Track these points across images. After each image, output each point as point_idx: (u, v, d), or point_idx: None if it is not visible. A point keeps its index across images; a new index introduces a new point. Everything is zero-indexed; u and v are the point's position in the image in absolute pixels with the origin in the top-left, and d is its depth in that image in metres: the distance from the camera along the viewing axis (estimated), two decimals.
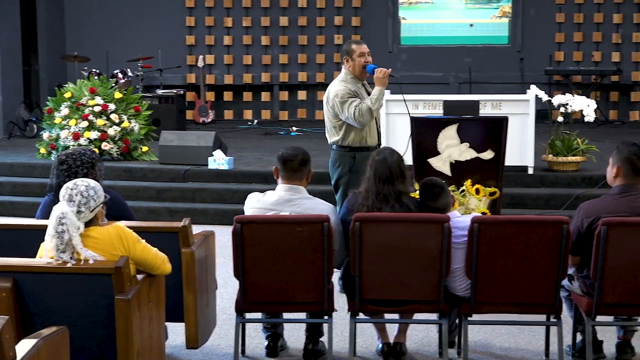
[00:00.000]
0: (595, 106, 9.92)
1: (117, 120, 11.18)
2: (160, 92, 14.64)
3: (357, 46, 7.09)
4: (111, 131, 11.12)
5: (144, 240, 4.66)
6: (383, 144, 9.08)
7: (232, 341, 5.66)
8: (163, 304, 4.95)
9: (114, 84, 12.09)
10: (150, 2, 16.46)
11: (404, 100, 7.20)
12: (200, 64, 15.76)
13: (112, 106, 11.24)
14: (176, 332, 5.83)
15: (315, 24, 16.37)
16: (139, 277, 4.61)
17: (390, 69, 7.09)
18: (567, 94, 10.03)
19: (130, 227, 4.69)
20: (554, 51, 15.88)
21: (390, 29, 16.26)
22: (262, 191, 5.66)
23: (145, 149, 11.38)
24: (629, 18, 15.67)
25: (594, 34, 15.81)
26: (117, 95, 11.39)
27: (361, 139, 7.04)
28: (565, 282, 5.48)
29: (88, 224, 4.48)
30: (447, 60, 15.83)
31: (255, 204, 5.54)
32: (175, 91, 14.59)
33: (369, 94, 7.09)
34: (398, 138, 9.52)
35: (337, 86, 7.08)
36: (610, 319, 5.64)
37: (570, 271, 5.46)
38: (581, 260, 5.39)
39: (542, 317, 5.56)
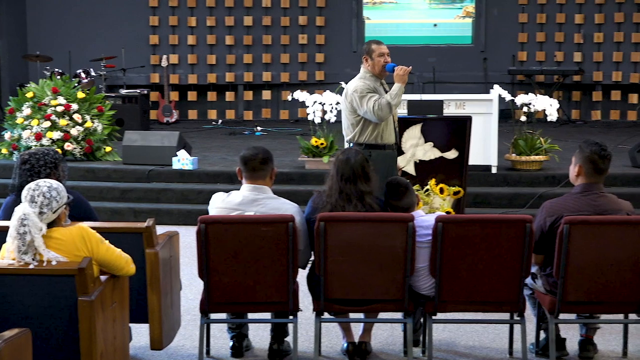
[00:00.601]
0: (558, 106, 10.01)
1: (80, 121, 11.09)
2: (123, 91, 14.56)
3: (377, 46, 7.10)
4: (74, 131, 11.04)
5: (107, 241, 4.63)
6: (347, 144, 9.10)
7: (196, 342, 5.64)
8: (127, 305, 4.92)
9: (76, 84, 12.00)
10: (113, 1, 16.36)
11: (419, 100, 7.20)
12: (164, 63, 15.69)
13: (75, 106, 11.15)
14: (140, 333, 5.79)
15: (279, 23, 16.36)
16: (103, 278, 4.58)
17: (410, 67, 7.05)
18: (530, 94, 10.11)
19: (93, 228, 4.65)
20: (517, 51, 16.00)
21: (354, 28, 16.29)
22: (226, 191, 5.65)
23: (108, 149, 11.30)
24: (591, 18, 15.82)
25: (556, 34, 15.95)
26: (80, 95, 11.30)
27: (377, 136, 6.95)
28: (528, 280, 5.52)
29: (51, 225, 4.45)
30: (411, 60, 15.67)
31: (220, 204, 5.52)
32: (138, 91, 14.52)
33: (387, 92, 7.03)
34: None
35: (356, 82, 7.07)
36: (573, 316, 5.68)
37: (534, 269, 5.49)
38: (544, 259, 5.43)
39: (505, 316, 5.60)
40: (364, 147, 6.90)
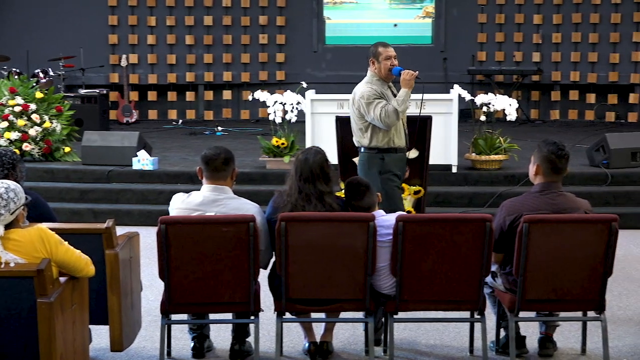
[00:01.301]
0: (517, 105, 10.09)
1: (38, 121, 10.98)
2: (82, 91, 14.44)
3: (383, 49, 6.98)
4: (32, 132, 10.93)
5: (66, 242, 4.60)
6: (308, 144, 9.11)
7: (157, 343, 5.61)
8: (87, 306, 4.89)
9: (35, 84, 11.88)
10: (72, 0, 16.21)
11: (422, 100, 7.17)
12: (123, 63, 15.58)
13: (33, 106, 11.04)
14: (100, 335, 5.75)
15: (239, 23, 16.32)
16: (62, 279, 4.54)
17: (417, 72, 6.93)
18: (489, 94, 10.18)
19: (52, 229, 4.61)
20: (476, 51, 16.10)
21: (315, 28, 16.29)
22: (187, 191, 5.63)
23: (67, 149, 11.21)
24: (549, 19, 15.96)
25: (515, 35, 16.07)
26: (38, 95, 11.19)
27: (388, 140, 6.88)
28: (488, 279, 5.55)
29: (8, 227, 4.40)
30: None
31: (180, 205, 5.50)
32: (98, 91, 14.40)
33: (394, 95, 6.95)
34: (324, 137, 9.56)
35: (363, 87, 6.97)
36: (532, 314, 5.73)
37: (494, 268, 5.53)
38: (504, 258, 5.48)
39: (466, 314, 5.64)
40: (376, 151, 6.89)
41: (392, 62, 6.96)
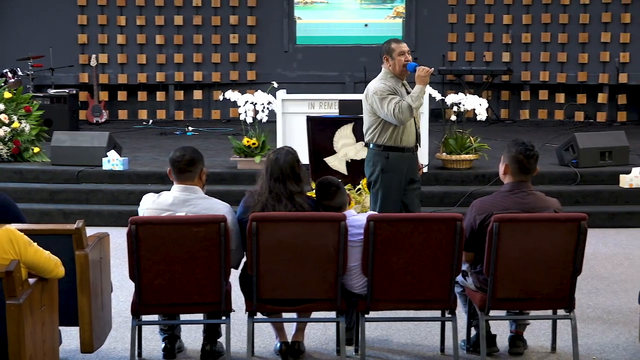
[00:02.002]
0: (487, 105, 10.13)
1: (6, 121, 10.89)
2: (51, 91, 14.33)
3: (396, 45, 6.92)
4: (1, 132, 10.84)
5: (35, 244, 4.57)
6: (279, 144, 9.11)
7: (128, 344, 5.59)
8: (56, 307, 4.86)
9: (3, 84, 11.78)
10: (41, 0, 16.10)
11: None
12: (93, 63, 15.49)
13: (1, 106, 10.95)
14: (70, 336, 5.72)
15: (210, 23, 16.28)
16: (31, 281, 4.51)
17: (432, 68, 6.86)
18: (459, 93, 10.22)
19: (21, 230, 4.58)
20: (446, 51, 16.16)
21: (285, 28, 16.28)
22: (158, 192, 5.61)
23: (36, 150, 11.13)
24: (519, 19, 16.04)
25: (485, 35, 16.14)
26: (7, 95, 11.10)
27: (395, 138, 6.80)
28: (459, 278, 5.58)
29: None
30: (342, 60, 15.94)
31: (150, 205, 5.47)
32: (67, 91, 14.30)
33: (408, 93, 6.87)
34: (295, 137, 9.57)
35: (377, 84, 6.89)
36: (503, 313, 5.76)
37: (464, 267, 5.56)
38: (474, 257, 5.50)
39: (437, 313, 5.66)
40: (382, 149, 6.81)
41: (406, 57, 6.88)
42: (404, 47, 6.91)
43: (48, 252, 4.64)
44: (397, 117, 6.67)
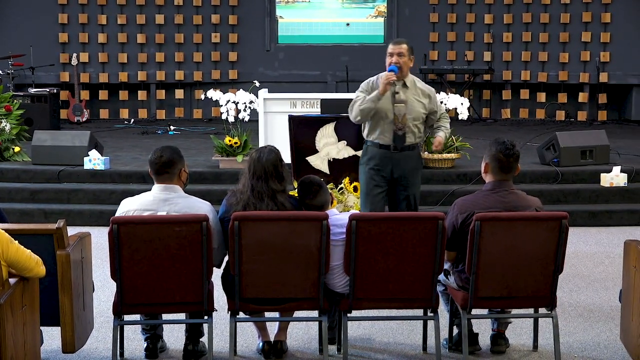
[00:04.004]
0: (469, 104, 10.16)
1: None
2: (32, 90, 14.26)
3: (390, 45, 6.89)
4: None
5: (17, 242, 4.54)
6: (261, 143, 9.10)
7: (110, 344, 5.56)
8: (37, 308, 4.84)
9: None
10: None
11: None
12: (74, 62, 15.41)
13: None
14: (52, 337, 5.70)
15: (191, 22, 16.24)
16: (12, 281, 4.49)
17: (391, 77, 6.69)
18: (441, 93, 10.24)
19: (2, 229, 4.56)
20: (428, 50, 16.18)
21: (267, 27, 16.26)
22: (139, 191, 5.59)
23: (17, 149, 11.06)
24: (500, 18, 16.09)
25: (466, 34, 16.18)
26: None
27: (369, 133, 6.87)
28: (441, 277, 5.59)
29: None
30: (324, 59, 15.94)
31: (130, 206, 5.45)
32: (48, 90, 14.23)
33: (394, 94, 6.78)
34: (277, 136, 9.56)
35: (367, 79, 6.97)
36: (485, 311, 5.78)
37: (446, 266, 5.57)
38: (456, 256, 5.51)
39: (419, 312, 5.66)
40: (364, 141, 6.95)
41: (391, 59, 6.80)
42: (392, 48, 6.86)
43: (29, 250, 4.62)
44: (349, 113, 6.83)
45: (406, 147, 6.83)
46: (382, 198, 6.86)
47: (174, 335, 6.06)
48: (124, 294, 5.27)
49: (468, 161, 10.33)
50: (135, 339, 5.98)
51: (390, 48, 6.85)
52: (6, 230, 4.60)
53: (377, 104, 6.72)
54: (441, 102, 9.92)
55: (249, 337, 6.08)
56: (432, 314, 5.50)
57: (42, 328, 5.11)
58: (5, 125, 10.99)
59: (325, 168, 7.87)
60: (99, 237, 6.64)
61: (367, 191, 6.88)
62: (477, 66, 15.86)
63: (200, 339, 5.75)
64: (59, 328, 5.19)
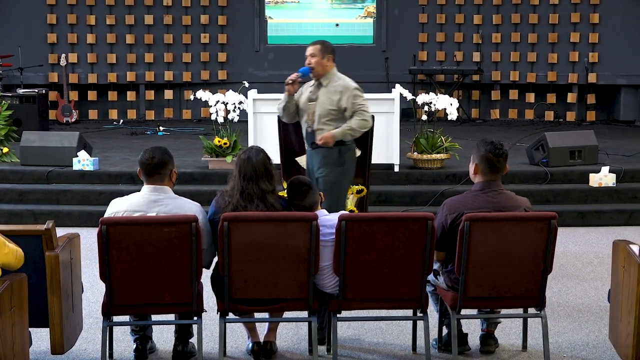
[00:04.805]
0: (458, 105, 10.17)
1: None
2: (21, 91, 14.22)
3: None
4: None
5: (7, 242, 4.54)
6: (251, 144, 9.10)
7: (99, 345, 5.55)
8: (26, 309, 4.83)
9: None
10: None
11: None
12: (62, 62, 15.37)
13: None
14: (41, 338, 5.67)
15: (181, 22, 16.22)
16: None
17: (292, 77, 7.01)
18: (430, 93, 10.25)
19: None
20: (417, 51, 16.20)
21: (256, 28, 16.26)
22: (128, 192, 5.58)
23: (5, 150, 11.04)
24: (489, 19, 16.12)
25: (455, 34, 16.20)
26: None
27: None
28: (430, 277, 5.59)
29: None
30: None
31: (120, 207, 5.44)
32: (37, 90, 14.20)
33: (310, 95, 7.06)
34: (266, 137, 9.55)
35: None
36: (474, 312, 5.78)
37: (436, 266, 5.57)
38: (446, 256, 5.52)
39: (409, 312, 5.67)
40: None
41: (307, 60, 7.05)
42: (307, 50, 7.09)
43: (12, 245, 4.63)
44: None
45: (318, 144, 6.98)
46: None
47: (164, 336, 6.05)
48: (113, 295, 5.26)
49: (457, 161, 10.35)
50: (124, 340, 5.97)
51: (307, 48, 7.07)
52: None
53: (285, 103, 7.08)
54: (430, 103, 9.95)
55: (238, 337, 6.07)
56: (421, 314, 5.50)
57: (30, 329, 5.09)
58: None
59: None
60: (88, 238, 6.62)
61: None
62: (466, 67, 15.87)
63: (190, 340, 5.74)
64: (48, 329, 5.17)
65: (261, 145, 5.83)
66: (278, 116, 7.45)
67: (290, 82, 7.00)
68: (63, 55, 15.49)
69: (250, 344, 5.78)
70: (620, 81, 15.81)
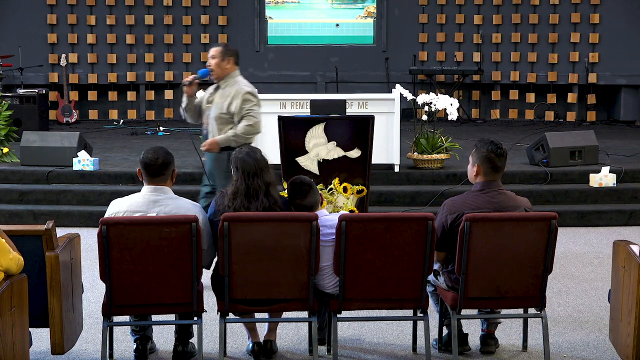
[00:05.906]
0: (458, 105, 10.17)
1: None
2: (21, 91, 14.23)
3: None
4: None
5: (10, 248, 4.55)
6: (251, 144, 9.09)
7: (99, 345, 5.56)
8: (26, 309, 4.83)
9: None
10: None
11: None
12: (62, 62, 15.38)
13: None
14: (41, 338, 5.68)
15: (181, 22, 16.23)
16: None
17: (185, 79, 7.21)
18: (431, 93, 10.25)
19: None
20: (417, 51, 16.21)
21: (257, 28, 16.26)
22: (128, 192, 5.58)
23: (5, 150, 11.04)
24: (489, 19, 16.12)
25: (455, 35, 16.21)
26: None
27: None
28: (431, 277, 5.59)
29: None
30: (314, 60, 15.94)
31: (120, 207, 5.44)
32: (37, 90, 14.21)
33: (209, 97, 7.20)
34: (266, 137, 9.54)
35: None
36: (474, 312, 5.78)
37: (436, 266, 5.57)
38: (446, 256, 5.52)
39: (409, 312, 5.66)
40: None
41: (207, 62, 7.17)
42: (209, 51, 7.21)
43: (15, 252, 4.63)
44: None
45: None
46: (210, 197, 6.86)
47: (164, 337, 6.05)
48: (113, 295, 5.26)
49: (457, 161, 10.35)
50: (124, 340, 5.97)
51: (209, 52, 7.19)
52: None
53: (186, 105, 7.25)
54: (431, 103, 9.95)
55: (238, 337, 6.07)
56: (421, 315, 5.50)
57: (31, 329, 5.09)
58: None
59: (314, 169, 7.86)
60: (88, 238, 6.62)
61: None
62: (466, 67, 15.88)
63: (190, 340, 5.74)
64: (48, 329, 5.17)
65: (261, 146, 5.84)
66: (279, 116, 7.44)
67: (187, 83, 7.10)
68: (63, 56, 15.50)
69: (251, 344, 5.78)
70: (621, 81, 15.81)
